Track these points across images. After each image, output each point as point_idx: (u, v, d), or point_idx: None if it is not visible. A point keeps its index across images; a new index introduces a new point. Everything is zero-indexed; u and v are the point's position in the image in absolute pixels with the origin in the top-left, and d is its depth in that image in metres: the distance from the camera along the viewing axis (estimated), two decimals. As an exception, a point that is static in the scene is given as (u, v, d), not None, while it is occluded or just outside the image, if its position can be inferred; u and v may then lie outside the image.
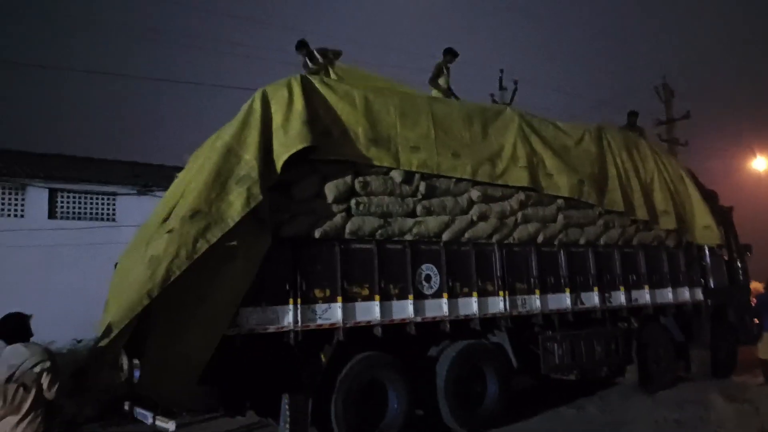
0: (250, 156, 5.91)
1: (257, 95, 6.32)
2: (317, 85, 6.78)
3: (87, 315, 10.14)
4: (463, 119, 7.79)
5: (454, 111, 7.85)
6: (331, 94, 6.80)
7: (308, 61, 8.04)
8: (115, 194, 14.14)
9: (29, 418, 3.88)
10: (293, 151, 6.02)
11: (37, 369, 3.94)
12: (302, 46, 8.09)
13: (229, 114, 6.58)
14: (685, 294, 9.92)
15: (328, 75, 7.80)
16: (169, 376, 5.48)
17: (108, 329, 5.09)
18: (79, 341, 10.11)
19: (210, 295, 5.51)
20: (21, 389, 3.86)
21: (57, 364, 4.12)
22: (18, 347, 4.02)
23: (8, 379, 3.86)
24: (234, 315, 5.69)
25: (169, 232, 5.41)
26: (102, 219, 13.92)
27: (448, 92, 8.91)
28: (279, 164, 6.00)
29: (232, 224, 5.56)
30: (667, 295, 9.60)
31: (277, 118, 6.19)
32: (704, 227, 10.25)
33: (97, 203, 14.03)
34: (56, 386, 3.99)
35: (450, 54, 9.13)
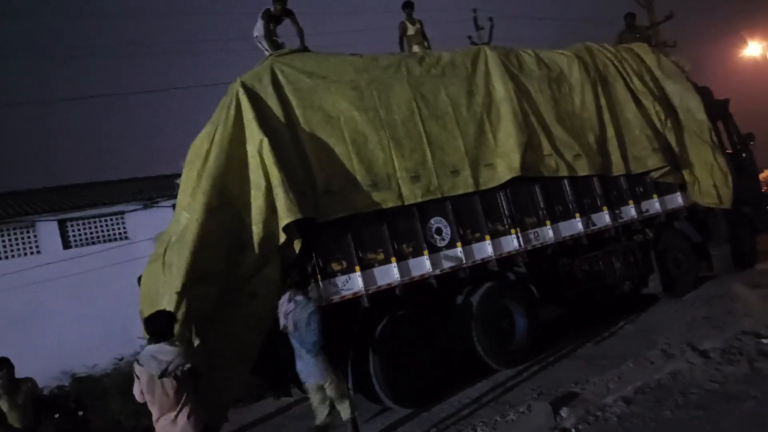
0: (257, 226, 5.86)
1: (257, 145, 5.95)
2: (304, 126, 6.43)
3: (122, 334, 10.51)
4: (458, 123, 7.43)
5: (446, 121, 7.38)
6: (321, 137, 6.47)
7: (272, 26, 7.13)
8: (122, 212, 14.32)
9: (185, 410, 4.22)
10: (297, 217, 5.84)
11: (188, 365, 4.29)
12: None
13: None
14: (695, 195, 9.94)
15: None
16: (225, 370, 5.71)
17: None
18: (120, 359, 10.43)
19: (259, 293, 5.79)
20: (175, 382, 4.20)
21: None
22: (163, 346, 4.32)
23: (161, 375, 4.17)
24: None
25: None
26: (115, 239, 14.13)
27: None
28: (280, 226, 5.82)
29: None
30: (677, 199, 9.64)
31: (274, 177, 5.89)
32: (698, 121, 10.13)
33: (107, 225, 14.23)
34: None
35: (407, 8, 8.74)
